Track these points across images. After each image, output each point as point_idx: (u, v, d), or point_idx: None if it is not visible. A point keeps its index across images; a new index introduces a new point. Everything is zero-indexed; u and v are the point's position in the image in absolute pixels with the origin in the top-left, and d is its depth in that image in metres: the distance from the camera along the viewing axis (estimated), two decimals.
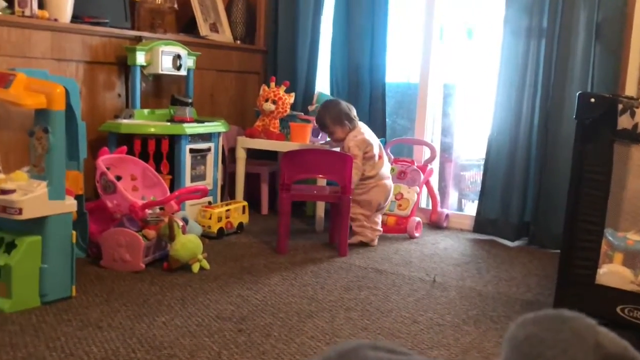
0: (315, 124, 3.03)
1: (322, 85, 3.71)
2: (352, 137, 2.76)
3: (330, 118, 2.77)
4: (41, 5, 2.59)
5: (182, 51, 3.00)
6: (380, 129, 3.54)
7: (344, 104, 2.79)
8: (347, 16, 3.45)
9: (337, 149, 2.93)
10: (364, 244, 2.83)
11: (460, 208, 3.75)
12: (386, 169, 2.86)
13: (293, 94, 3.30)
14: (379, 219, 2.86)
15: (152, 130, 2.72)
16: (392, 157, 3.44)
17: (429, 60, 3.31)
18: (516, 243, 3.05)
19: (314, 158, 2.65)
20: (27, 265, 1.88)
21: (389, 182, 2.85)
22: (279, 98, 3.20)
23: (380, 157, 2.83)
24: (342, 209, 2.57)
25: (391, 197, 3.03)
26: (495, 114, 3.19)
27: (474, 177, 3.76)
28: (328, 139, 3.02)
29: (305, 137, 3.10)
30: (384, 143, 3.43)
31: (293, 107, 3.44)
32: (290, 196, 2.61)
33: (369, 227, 2.81)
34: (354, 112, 2.80)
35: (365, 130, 2.81)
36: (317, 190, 2.82)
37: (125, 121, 2.74)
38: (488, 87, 3.31)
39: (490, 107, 3.22)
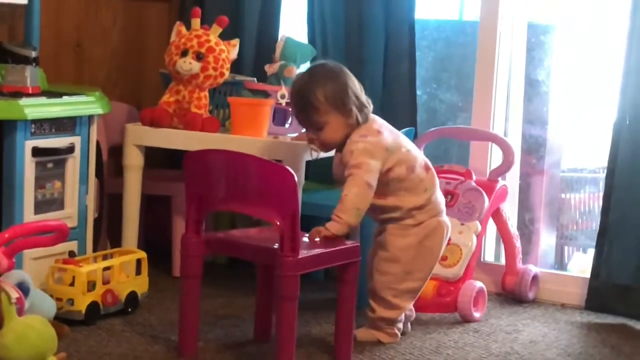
0: (285, 105, 3.14)
1: (292, 25, 3.78)
2: (359, 138, 2.80)
3: (325, 93, 2.77)
4: None
5: None
6: (405, 111, 3.54)
7: (350, 74, 2.86)
8: None
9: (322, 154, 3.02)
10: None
11: (560, 264, 3.83)
12: (439, 192, 2.95)
13: (236, 42, 3.30)
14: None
15: None
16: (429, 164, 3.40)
17: None
18: None
19: (231, 167, 2.62)
20: None
21: (446, 219, 2.94)
22: (208, 49, 3.19)
23: (427, 168, 2.91)
24: (277, 279, 2.55)
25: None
26: (626, 80, 3.21)
27: (588, 202, 3.83)
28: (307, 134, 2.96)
29: (260, 124, 3.13)
30: (413, 137, 3.44)
31: (235, 67, 3.42)
32: (202, 243, 2.64)
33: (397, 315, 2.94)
34: (364, 96, 2.87)
35: (383, 128, 2.86)
36: (256, 236, 2.82)
37: None
38: (612, 31, 3.50)
39: (617, 66, 3.25)
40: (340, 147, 2.82)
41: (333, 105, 2.75)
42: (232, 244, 2.74)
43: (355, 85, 2.81)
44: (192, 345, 2.67)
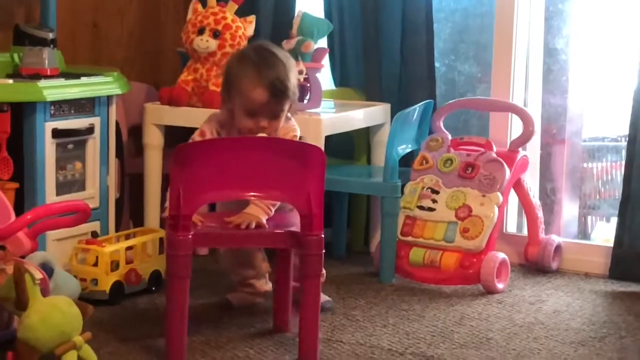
0: (303, 80, 3.05)
1: (308, 0, 3.75)
2: (294, 123, 2.77)
3: (294, 82, 2.68)
4: None
5: None
6: (424, 83, 3.54)
7: None
8: None
9: None
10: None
11: (583, 233, 3.79)
12: None
13: (253, 19, 3.30)
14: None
15: None
16: (449, 135, 3.42)
17: None
18: None
19: (241, 155, 2.47)
20: None
21: None
22: (225, 26, 3.20)
23: None
24: (305, 264, 2.50)
25: (445, 214, 3.15)
26: None
27: (610, 171, 3.81)
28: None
29: None
30: (432, 109, 3.46)
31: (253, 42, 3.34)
32: (190, 240, 2.47)
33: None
34: None
35: None
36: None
37: None
38: None
39: (637, 33, 3.33)
40: None
41: (295, 94, 2.66)
42: (229, 236, 2.61)
43: None
44: (181, 350, 2.50)
